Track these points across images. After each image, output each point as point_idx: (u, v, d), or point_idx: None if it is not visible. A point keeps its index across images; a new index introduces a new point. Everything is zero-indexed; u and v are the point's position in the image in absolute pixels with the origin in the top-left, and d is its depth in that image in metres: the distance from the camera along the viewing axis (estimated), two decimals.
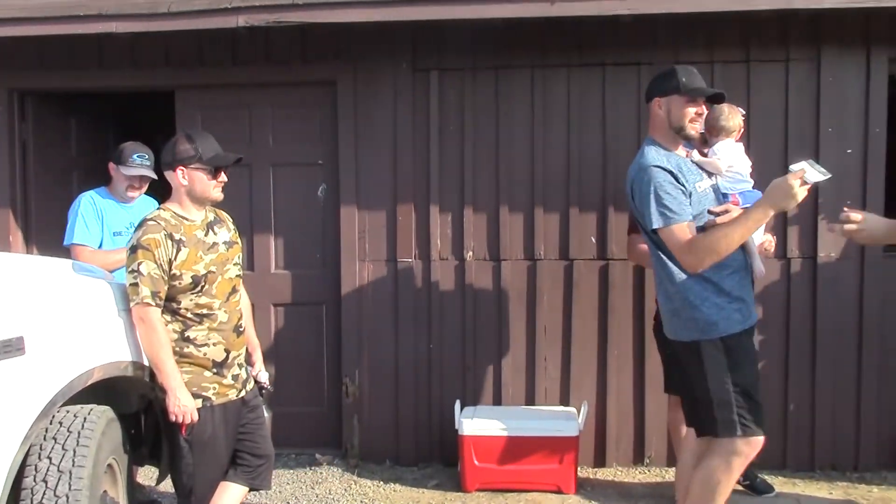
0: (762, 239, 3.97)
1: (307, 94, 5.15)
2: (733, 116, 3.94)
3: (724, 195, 3.60)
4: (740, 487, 4.46)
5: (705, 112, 3.40)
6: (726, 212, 3.35)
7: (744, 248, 3.44)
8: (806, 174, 2.99)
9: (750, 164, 3.87)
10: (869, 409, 4.82)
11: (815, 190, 4.69)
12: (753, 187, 3.81)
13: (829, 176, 3.08)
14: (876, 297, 4.78)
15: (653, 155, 3.34)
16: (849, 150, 4.75)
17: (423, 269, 5.01)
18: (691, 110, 3.36)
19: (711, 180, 3.50)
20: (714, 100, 3.42)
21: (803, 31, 4.74)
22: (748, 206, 3.55)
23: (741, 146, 3.95)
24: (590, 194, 4.90)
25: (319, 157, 5.16)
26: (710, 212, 3.35)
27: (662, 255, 3.36)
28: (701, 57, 4.67)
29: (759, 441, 3.33)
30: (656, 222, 3.25)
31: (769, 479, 4.66)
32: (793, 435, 4.83)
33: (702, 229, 3.27)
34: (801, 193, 3.00)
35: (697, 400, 3.41)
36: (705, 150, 3.86)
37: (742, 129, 4.06)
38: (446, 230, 5.00)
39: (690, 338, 3.34)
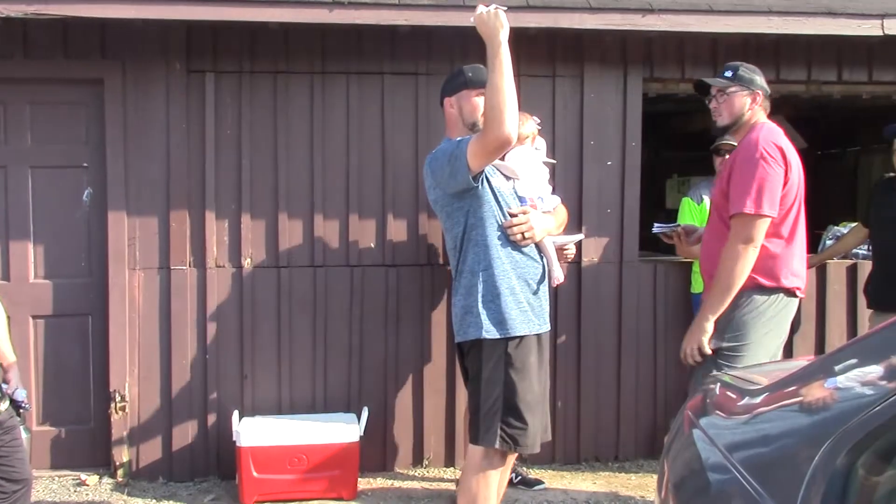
0: (565, 240, 4.12)
1: (71, 93, 4.82)
2: (525, 123, 4.00)
3: (522, 199, 3.67)
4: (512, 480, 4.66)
5: None
6: (524, 213, 3.50)
7: (543, 254, 3.57)
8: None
9: (548, 170, 3.99)
10: (627, 402, 5.19)
11: (578, 199, 5.02)
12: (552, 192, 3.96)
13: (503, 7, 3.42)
14: (632, 297, 5.16)
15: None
16: (609, 162, 5.10)
17: (199, 276, 4.84)
18: (481, 104, 3.44)
19: (510, 184, 3.59)
20: None
21: (568, 49, 5.04)
22: (548, 210, 3.75)
23: (537, 152, 4.07)
24: (370, 201, 4.94)
25: (85, 159, 4.85)
26: (509, 213, 3.48)
27: (461, 248, 3.45)
28: None
29: (507, 456, 3.45)
30: (459, 156, 3.29)
31: (539, 472, 4.91)
32: (561, 430, 5.10)
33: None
34: (494, 12, 3.32)
35: (470, 403, 3.51)
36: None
37: (535, 136, 4.21)
38: (223, 237, 4.86)
39: (477, 335, 3.40)
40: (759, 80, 3.76)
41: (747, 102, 3.71)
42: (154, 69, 4.77)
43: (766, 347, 3.59)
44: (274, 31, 4.69)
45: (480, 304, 3.40)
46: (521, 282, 3.46)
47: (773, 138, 3.58)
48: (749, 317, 3.58)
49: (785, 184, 3.54)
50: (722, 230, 3.65)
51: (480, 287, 3.41)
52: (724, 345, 3.60)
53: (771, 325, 3.60)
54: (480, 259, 3.44)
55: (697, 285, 5.11)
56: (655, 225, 4.20)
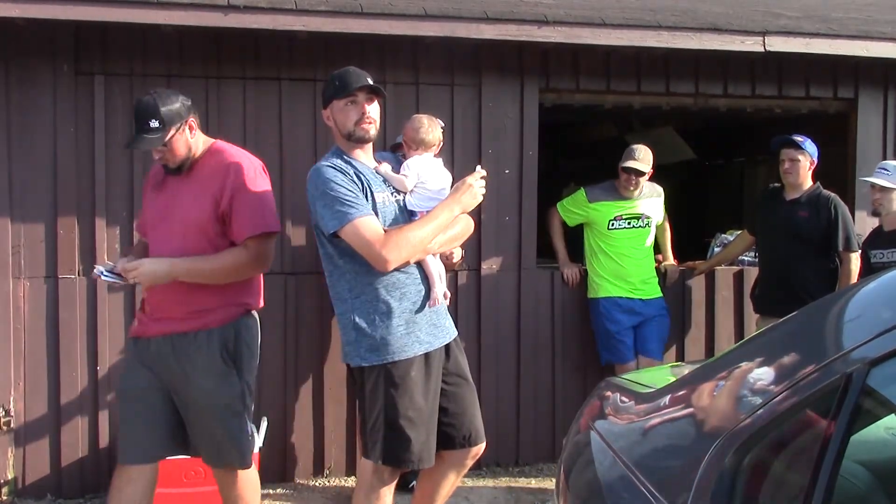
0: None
1: None
2: (433, 129, 3.58)
3: (412, 213, 3.38)
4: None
5: (369, 111, 3.28)
6: None
7: (426, 274, 3.36)
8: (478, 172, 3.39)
9: (450, 179, 3.58)
10: (527, 407, 5.27)
11: (477, 207, 5.04)
12: None
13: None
14: (530, 303, 5.25)
15: (326, 157, 3.29)
16: (507, 171, 5.16)
17: (89, 285, 4.68)
18: (352, 112, 3.25)
19: (398, 196, 3.37)
20: (374, 93, 3.31)
21: (466, 59, 5.09)
22: None
23: (440, 161, 3.62)
24: None
25: None
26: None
27: (335, 270, 3.30)
28: (374, 77, 4.81)
29: (398, 471, 3.33)
30: (333, 224, 3.11)
31: None
32: None
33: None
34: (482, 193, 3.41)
35: (359, 417, 3.43)
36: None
37: (441, 143, 3.70)
38: (114, 245, 4.71)
39: (349, 361, 3.29)
40: (179, 107, 3.36)
41: (187, 135, 3.37)
42: (39, 71, 4.60)
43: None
44: (167, 33, 4.58)
45: (353, 331, 3.25)
46: (399, 303, 3.26)
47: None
48: (252, 340, 3.50)
49: None
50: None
51: (354, 315, 3.25)
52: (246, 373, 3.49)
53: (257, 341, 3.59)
54: (353, 285, 3.27)
55: (594, 291, 5.22)
56: (100, 270, 3.37)
